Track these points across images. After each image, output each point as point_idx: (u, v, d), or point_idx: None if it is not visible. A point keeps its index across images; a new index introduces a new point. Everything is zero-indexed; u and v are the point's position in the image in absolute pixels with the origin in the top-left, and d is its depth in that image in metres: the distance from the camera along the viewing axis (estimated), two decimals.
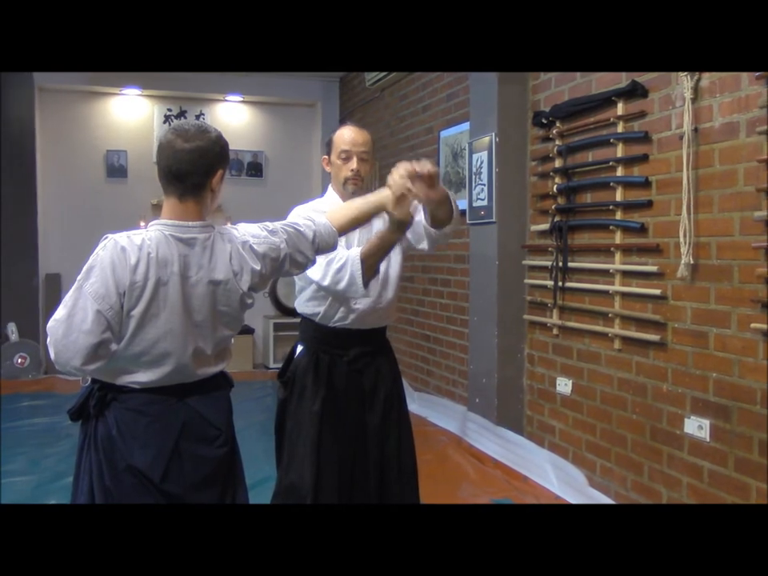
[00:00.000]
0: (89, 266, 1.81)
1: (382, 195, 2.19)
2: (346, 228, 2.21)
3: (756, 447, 2.82)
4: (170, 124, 7.24)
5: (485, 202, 4.45)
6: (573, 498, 3.76)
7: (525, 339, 4.40)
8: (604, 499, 3.64)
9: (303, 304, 2.73)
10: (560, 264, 3.94)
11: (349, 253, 2.41)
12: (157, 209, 7.39)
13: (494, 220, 4.37)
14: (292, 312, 8.38)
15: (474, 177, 4.58)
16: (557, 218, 3.96)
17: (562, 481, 3.91)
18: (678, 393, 3.21)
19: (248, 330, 7.60)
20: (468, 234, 4.76)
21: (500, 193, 4.34)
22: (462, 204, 4.78)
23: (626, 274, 3.52)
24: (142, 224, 7.28)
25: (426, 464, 4.41)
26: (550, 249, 4.05)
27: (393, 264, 2.64)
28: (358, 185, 2.60)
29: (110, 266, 1.78)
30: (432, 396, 5.59)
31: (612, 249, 3.58)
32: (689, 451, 3.15)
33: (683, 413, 3.17)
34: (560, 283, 3.95)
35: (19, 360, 6.95)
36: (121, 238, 1.82)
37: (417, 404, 5.60)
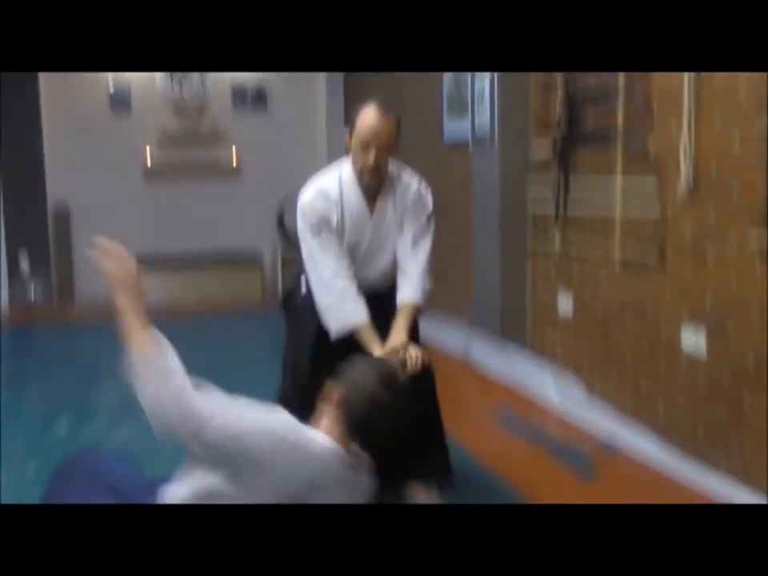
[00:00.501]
0: None
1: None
2: None
3: (751, 360, 2.89)
4: None
5: (487, 127, 4.44)
6: (572, 414, 3.87)
7: (527, 262, 4.45)
8: (603, 414, 3.74)
9: None
10: (562, 188, 3.96)
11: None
12: (162, 141, 7.37)
13: (496, 147, 4.38)
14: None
15: (476, 103, 4.56)
16: (558, 143, 3.96)
17: (563, 397, 4.02)
18: (676, 310, 3.27)
19: (256, 259, 7.67)
20: (471, 161, 4.76)
21: (502, 116, 4.33)
22: (465, 127, 4.77)
23: (626, 194, 3.55)
24: (147, 157, 7.31)
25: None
26: (551, 175, 4.06)
27: (390, 239, 2.70)
28: (375, 178, 2.59)
29: None
30: (436, 318, 5.68)
31: (613, 170, 3.59)
32: (686, 366, 3.22)
33: (681, 329, 3.24)
34: (562, 207, 3.97)
35: (31, 289, 7.05)
36: None
37: (424, 327, 5.68)
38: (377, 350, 2.54)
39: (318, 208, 2.60)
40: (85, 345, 5.66)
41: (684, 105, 3.08)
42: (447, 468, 2.88)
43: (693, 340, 3.17)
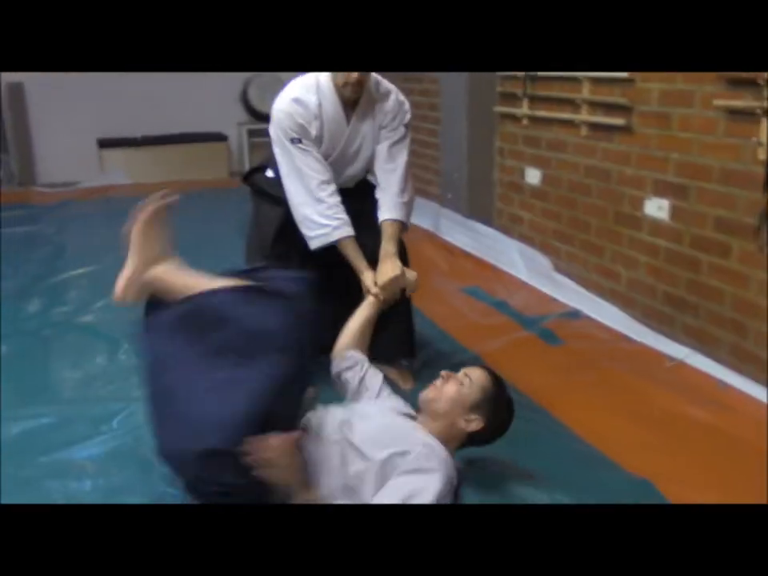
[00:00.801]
0: None
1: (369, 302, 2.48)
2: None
3: (710, 223, 2.92)
4: None
5: None
6: (539, 284, 3.93)
7: (495, 132, 4.39)
8: (568, 283, 3.80)
9: None
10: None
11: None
12: None
13: None
14: (265, 117, 8.26)
15: None
16: None
17: (529, 268, 4.07)
18: (640, 176, 3.27)
19: (222, 138, 7.50)
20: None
21: None
22: None
23: None
24: None
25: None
26: None
27: (365, 148, 2.66)
28: (357, 92, 2.53)
29: None
30: None
31: None
32: (648, 231, 3.26)
33: (644, 195, 3.25)
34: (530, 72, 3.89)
35: None
36: None
37: None
38: (361, 265, 2.56)
39: (296, 116, 2.54)
40: (49, 224, 5.57)
41: None
42: (413, 353, 2.92)
43: (656, 205, 3.18)
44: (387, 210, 2.65)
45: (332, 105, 2.57)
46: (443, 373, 2.09)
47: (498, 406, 2.06)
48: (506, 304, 3.72)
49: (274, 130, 2.62)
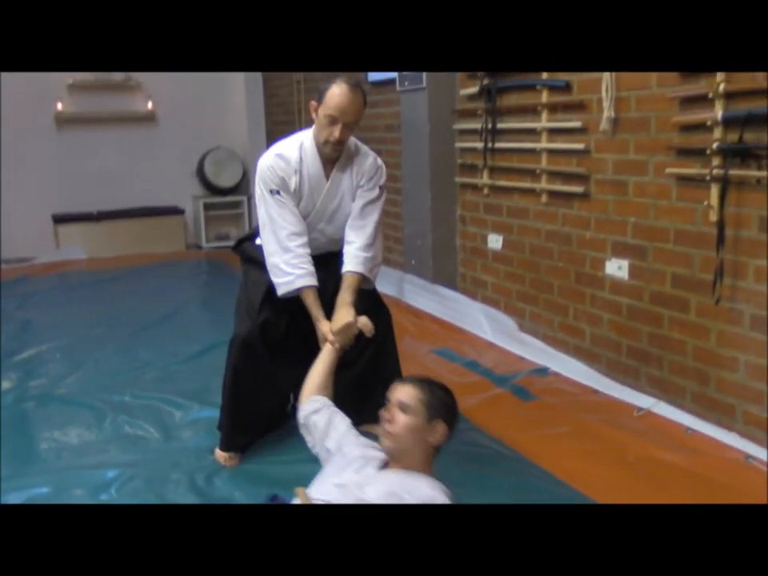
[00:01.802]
0: None
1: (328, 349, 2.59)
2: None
3: (669, 281, 3.16)
4: None
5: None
6: (505, 344, 4.10)
7: (456, 201, 4.63)
8: (534, 342, 4.00)
9: None
10: (489, 126, 4.13)
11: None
12: (74, 89, 7.17)
13: (423, 86, 4.49)
14: (220, 191, 8.43)
15: None
16: (485, 81, 4.12)
17: (494, 329, 4.25)
18: (599, 239, 3.52)
19: (178, 212, 7.61)
20: (398, 102, 4.87)
21: None
22: (395, 73, 4.88)
23: (551, 131, 3.75)
24: (59, 106, 7.10)
25: None
26: (479, 112, 4.22)
27: (344, 205, 2.76)
28: (337, 150, 2.66)
29: None
30: None
31: (538, 108, 3.78)
32: (609, 290, 3.49)
33: (604, 256, 3.49)
34: (489, 144, 4.15)
35: None
36: None
37: None
38: (318, 314, 2.66)
39: (278, 170, 2.66)
40: (9, 300, 5.55)
41: None
42: None
43: (616, 265, 3.42)
44: (349, 262, 2.74)
45: (313, 161, 2.69)
46: (380, 413, 2.07)
47: (441, 400, 2.07)
48: (477, 363, 3.88)
49: (257, 182, 2.73)
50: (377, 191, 2.82)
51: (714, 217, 2.88)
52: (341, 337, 2.61)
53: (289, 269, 2.64)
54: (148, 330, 4.60)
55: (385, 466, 2.11)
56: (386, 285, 5.29)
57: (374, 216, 2.79)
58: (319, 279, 2.72)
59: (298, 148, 2.69)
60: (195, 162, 7.64)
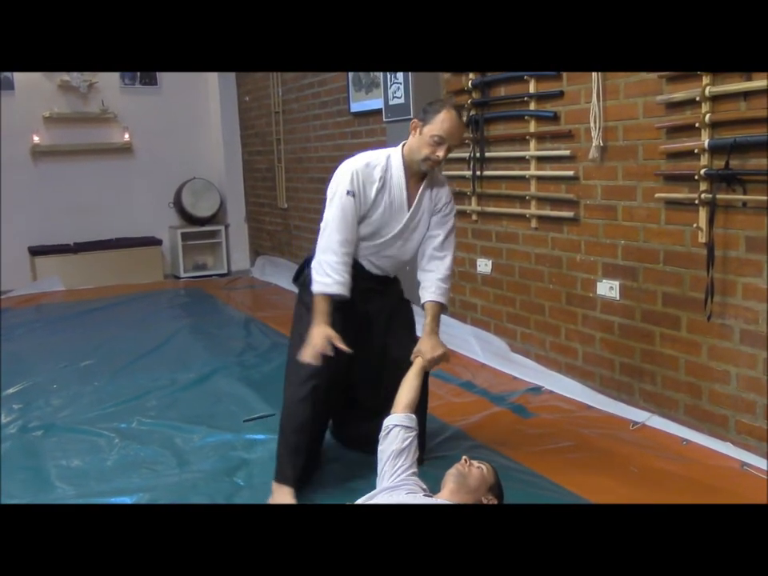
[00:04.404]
0: None
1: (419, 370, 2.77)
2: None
3: (660, 299, 3.32)
4: None
5: (401, 100, 4.71)
6: (497, 364, 4.24)
7: None
8: (526, 362, 4.13)
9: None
10: (477, 154, 4.29)
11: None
12: (50, 121, 7.19)
13: (411, 116, 4.64)
14: (198, 221, 8.50)
15: (389, 75, 4.81)
16: (473, 112, 4.29)
17: (485, 350, 4.38)
18: (590, 261, 3.68)
19: (156, 242, 7.63)
20: (385, 132, 5.02)
21: (416, 90, 4.61)
22: (378, 103, 5.03)
23: (540, 159, 3.91)
24: (36, 138, 7.11)
25: None
26: (467, 141, 4.38)
27: (421, 226, 2.87)
28: (431, 170, 2.78)
29: None
30: None
31: (527, 137, 3.95)
32: (601, 310, 3.64)
33: (595, 277, 3.65)
34: (478, 172, 4.31)
35: None
36: None
37: None
38: (322, 320, 2.68)
39: (362, 175, 2.72)
40: None
41: (592, 77, 3.46)
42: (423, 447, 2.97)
43: (607, 286, 3.58)
44: (433, 292, 2.86)
45: (398, 176, 2.77)
46: (465, 457, 2.43)
47: (501, 490, 2.45)
48: (472, 383, 4.00)
49: (334, 182, 2.76)
50: (453, 221, 2.93)
51: (702, 238, 3.06)
52: (433, 364, 2.79)
53: (331, 272, 2.69)
54: (142, 359, 4.63)
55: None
56: None
57: (452, 248, 2.93)
58: (377, 304, 2.90)
59: (385, 161, 2.76)
60: (172, 192, 7.69)
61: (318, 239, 2.77)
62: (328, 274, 2.70)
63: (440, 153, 2.69)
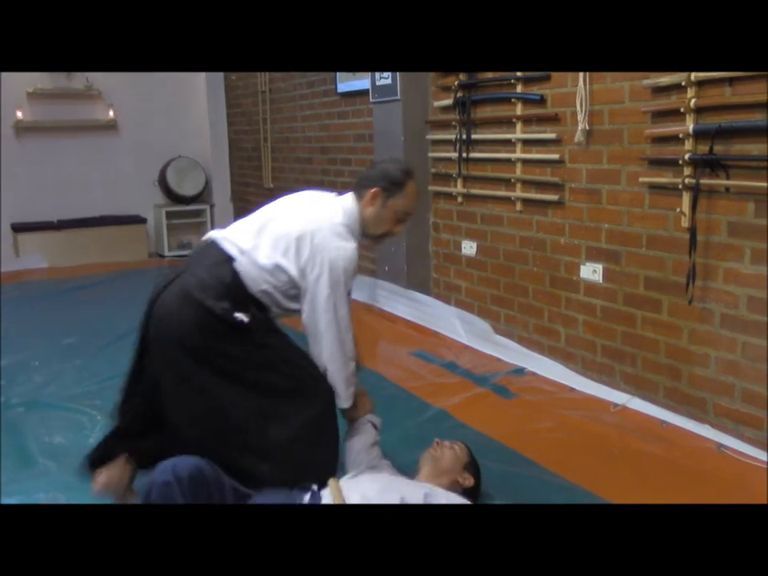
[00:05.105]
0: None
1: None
2: None
3: (642, 283, 3.35)
4: None
5: (388, 81, 4.69)
6: (480, 346, 4.26)
7: (430, 209, 4.77)
8: (509, 344, 4.16)
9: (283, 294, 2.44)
10: (463, 137, 4.29)
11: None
12: (34, 97, 7.12)
13: (398, 97, 4.64)
14: (183, 199, 8.44)
15: None
16: (460, 94, 4.28)
17: (469, 332, 4.40)
18: (574, 244, 3.70)
19: (140, 220, 7.59)
20: (371, 113, 5.00)
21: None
22: (365, 84, 5.01)
23: (526, 142, 3.92)
24: (19, 114, 7.02)
25: None
26: (453, 123, 4.38)
27: None
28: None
29: None
30: None
31: (513, 120, 3.95)
32: (584, 293, 3.67)
33: (579, 261, 3.67)
34: (464, 155, 4.31)
35: None
36: None
37: None
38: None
39: (356, 265, 2.43)
40: None
41: None
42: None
43: (590, 269, 3.60)
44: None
45: None
46: (436, 440, 2.48)
47: (477, 467, 2.51)
48: (455, 364, 4.03)
49: (334, 274, 2.35)
50: None
51: (685, 223, 3.08)
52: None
53: (353, 380, 2.49)
54: (125, 338, 4.55)
55: None
56: (359, 291, 5.42)
57: None
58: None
59: (354, 238, 2.45)
60: (157, 170, 7.64)
61: (337, 334, 2.41)
62: (351, 385, 2.50)
63: (400, 228, 2.52)
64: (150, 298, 2.41)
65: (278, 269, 2.37)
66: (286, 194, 2.64)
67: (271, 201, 2.62)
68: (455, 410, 3.40)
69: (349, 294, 2.43)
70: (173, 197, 7.66)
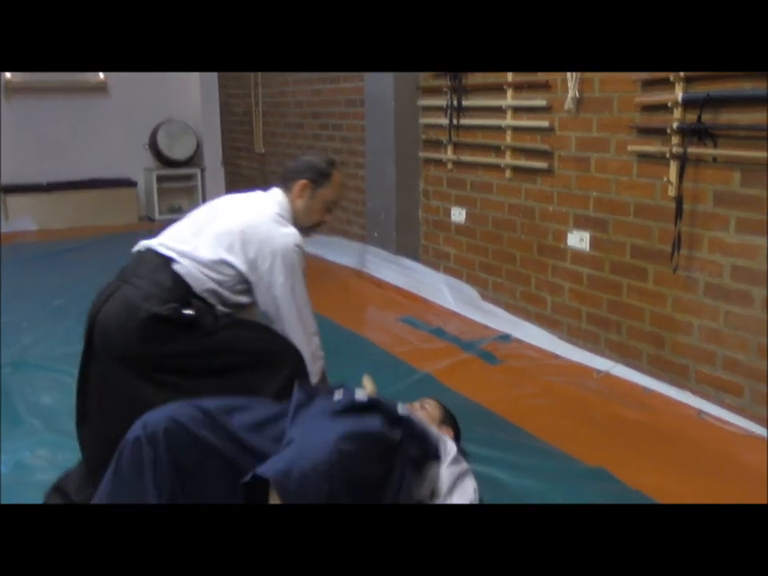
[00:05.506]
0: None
1: None
2: None
3: (628, 251, 3.37)
4: None
5: None
6: (468, 313, 4.29)
7: (420, 175, 4.77)
8: (496, 311, 4.19)
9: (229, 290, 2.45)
10: (454, 103, 4.27)
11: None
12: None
13: None
14: (174, 163, 8.40)
15: None
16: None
17: (457, 298, 4.43)
18: (562, 212, 3.71)
19: (131, 183, 7.56)
20: (363, 78, 4.97)
21: None
22: None
23: (516, 109, 3.91)
24: (8, 74, 6.94)
25: (330, 294, 4.83)
26: (444, 89, 4.36)
27: None
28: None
29: None
30: (327, 236, 5.93)
31: (504, 87, 3.94)
32: (571, 261, 3.69)
33: (566, 229, 3.69)
34: (455, 121, 4.30)
35: None
36: None
37: (313, 245, 5.93)
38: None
39: (304, 248, 2.50)
40: None
41: None
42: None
43: (577, 237, 3.62)
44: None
45: None
46: (406, 405, 2.39)
47: (452, 416, 2.57)
48: (443, 330, 4.06)
49: (286, 261, 2.40)
50: None
51: (672, 192, 3.09)
52: None
53: (319, 354, 2.56)
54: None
55: None
56: (347, 257, 5.44)
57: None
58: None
59: (272, 216, 2.48)
60: (147, 133, 7.59)
61: (298, 315, 2.46)
62: (321, 357, 2.57)
63: (328, 217, 2.62)
64: (90, 313, 2.38)
65: (222, 264, 2.38)
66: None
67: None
68: (441, 375, 3.43)
69: (303, 275, 2.48)
70: (163, 160, 7.61)
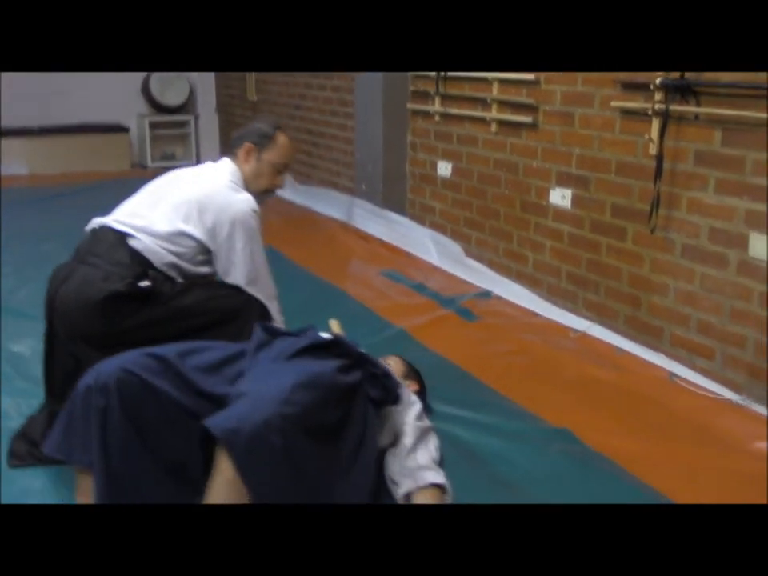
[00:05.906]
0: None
1: None
2: None
3: (608, 210, 3.32)
4: None
5: None
6: (451, 268, 4.26)
7: (408, 127, 4.69)
8: (479, 267, 4.15)
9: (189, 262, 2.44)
10: None
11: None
12: None
13: None
14: (166, 109, 8.33)
15: None
16: None
17: (441, 254, 4.40)
18: (545, 168, 3.65)
19: (123, 129, 7.48)
20: None
21: None
22: None
23: None
24: None
25: (316, 246, 4.80)
26: None
27: None
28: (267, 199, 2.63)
29: None
30: (316, 188, 5.88)
31: None
32: (552, 218, 3.64)
33: (549, 185, 3.63)
34: (442, 72, 4.21)
35: None
36: None
37: (301, 196, 5.90)
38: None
39: (260, 213, 2.50)
40: None
41: None
42: None
43: (559, 195, 3.56)
44: None
45: None
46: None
47: (416, 371, 2.59)
48: (424, 286, 4.03)
49: (244, 226, 2.41)
50: None
51: (653, 150, 3.03)
52: None
53: (279, 318, 2.56)
54: None
55: None
56: (335, 210, 5.39)
57: None
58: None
59: (228, 185, 2.49)
60: (140, 79, 7.47)
61: (264, 289, 2.49)
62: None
63: (281, 180, 2.58)
64: (48, 294, 2.36)
65: (180, 235, 2.37)
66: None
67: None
68: (415, 331, 3.42)
69: (261, 238, 2.48)
70: (156, 106, 7.52)
